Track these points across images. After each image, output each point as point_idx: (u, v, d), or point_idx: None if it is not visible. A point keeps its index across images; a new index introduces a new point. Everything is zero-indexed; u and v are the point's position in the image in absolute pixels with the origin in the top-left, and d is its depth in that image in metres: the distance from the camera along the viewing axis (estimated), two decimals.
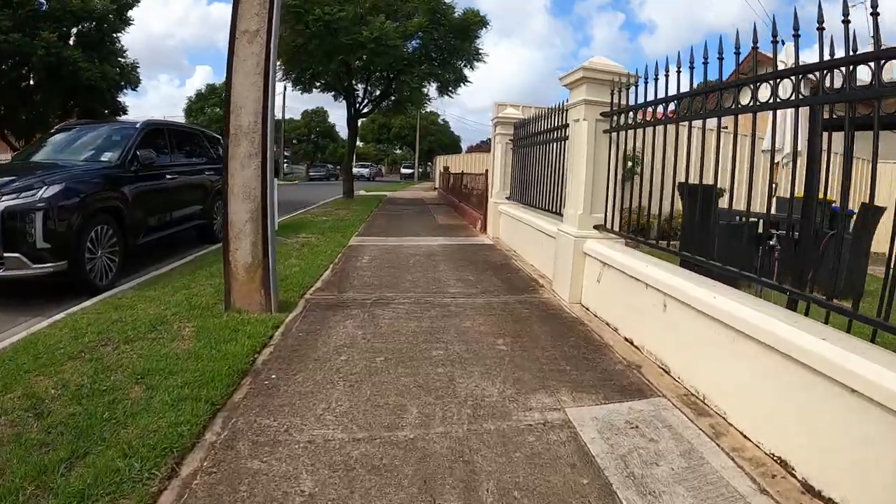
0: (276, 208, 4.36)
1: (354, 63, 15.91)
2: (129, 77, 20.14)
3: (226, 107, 4.14)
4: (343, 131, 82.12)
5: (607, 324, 4.30)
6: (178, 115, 36.66)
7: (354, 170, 41.73)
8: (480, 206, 11.34)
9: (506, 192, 9.27)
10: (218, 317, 4.23)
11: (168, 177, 7.50)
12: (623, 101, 4.48)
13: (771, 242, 4.85)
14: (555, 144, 6.14)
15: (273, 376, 3.17)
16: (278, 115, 42.79)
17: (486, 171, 10.28)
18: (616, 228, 4.70)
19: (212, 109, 35.29)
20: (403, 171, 60.55)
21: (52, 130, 8.27)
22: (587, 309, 4.72)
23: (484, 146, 67.52)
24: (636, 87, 4.14)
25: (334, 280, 5.71)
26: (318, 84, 18.53)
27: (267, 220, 4.28)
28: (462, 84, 17.02)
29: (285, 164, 53.28)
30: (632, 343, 3.87)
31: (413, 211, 14.96)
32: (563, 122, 5.65)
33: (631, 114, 4.38)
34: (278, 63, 16.55)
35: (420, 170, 56.36)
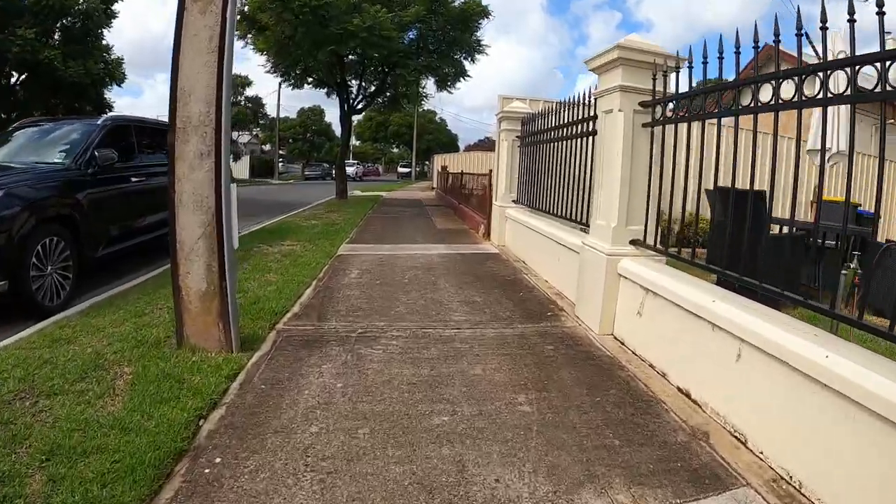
0: (236, 220, 3.50)
1: (347, 55, 15.02)
2: (115, 73, 19.23)
3: (171, 94, 3.29)
4: (339, 128, 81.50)
5: (652, 366, 3.45)
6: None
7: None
8: (483, 210, 10.50)
9: (512, 194, 8.42)
10: (166, 359, 3.37)
11: (134, 179, 6.67)
12: (661, 89, 3.64)
13: (852, 265, 3.99)
14: (575, 142, 5.29)
15: (217, 460, 2.32)
16: (272, 113, 41.93)
17: (490, 171, 9.44)
18: (658, 244, 3.85)
19: None
20: (401, 169, 59.65)
21: (11, 128, 7.45)
22: (622, 343, 3.88)
23: (482, 145, 66.30)
24: (690, 69, 3.29)
25: (315, 303, 4.85)
26: (309, 80, 17.65)
27: (223, 236, 3.43)
28: (462, 78, 16.11)
29: (281, 164, 52.30)
30: (689, 396, 3.03)
31: (410, 213, 14.10)
32: (588, 115, 4.80)
33: (669, 104, 3.55)
34: (265, 56, 15.73)
35: (417, 169, 55.45)
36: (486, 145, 63.05)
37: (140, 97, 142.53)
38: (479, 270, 6.50)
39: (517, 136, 8.30)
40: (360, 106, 17.47)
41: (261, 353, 3.56)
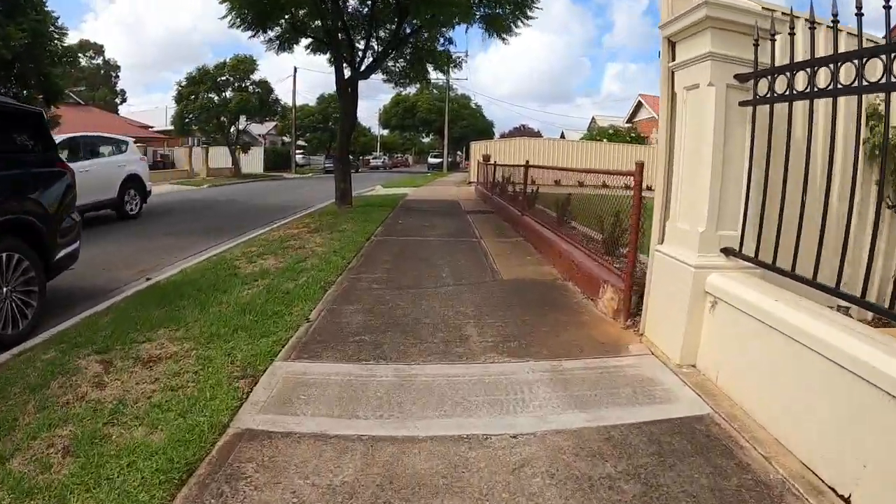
0: None
1: None
2: (47, 44, 14.36)
3: None
4: (366, 119, 75.09)
5: None
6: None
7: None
8: (590, 246, 5.31)
9: (727, 232, 3.16)
10: None
11: None
12: None
13: None
14: None
15: None
16: (285, 98, 37.03)
17: (638, 165, 4.07)
18: None
19: (205, 95, 29.52)
20: (431, 160, 53.94)
21: None
22: None
23: (519, 132, 60.13)
24: None
25: None
26: (306, 41, 12.62)
27: None
28: (522, 20, 10.67)
29: (301, 156, 47.46)
30: None
31: (444, 233, 8.78)
32: None
33: None
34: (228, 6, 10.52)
35: (449, 159, 49.74)
36: (521, 133, 57.28)
37: (168, 93, 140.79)
38: None
39: (741, 76, 3.03)
40: (368, 67, 12.07)
41: None
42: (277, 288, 4.87)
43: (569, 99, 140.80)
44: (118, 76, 60.98)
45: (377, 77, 12.92)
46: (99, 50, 59.46)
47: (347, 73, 11.56)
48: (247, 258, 6.33)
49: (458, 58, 13.39)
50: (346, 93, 11.48)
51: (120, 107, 57.08)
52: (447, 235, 8.33)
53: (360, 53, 11.98)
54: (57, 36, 15.41)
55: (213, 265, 6.10)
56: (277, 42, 12.00)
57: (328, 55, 12.98)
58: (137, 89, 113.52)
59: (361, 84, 12.42)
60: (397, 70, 13.70)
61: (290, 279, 5.23)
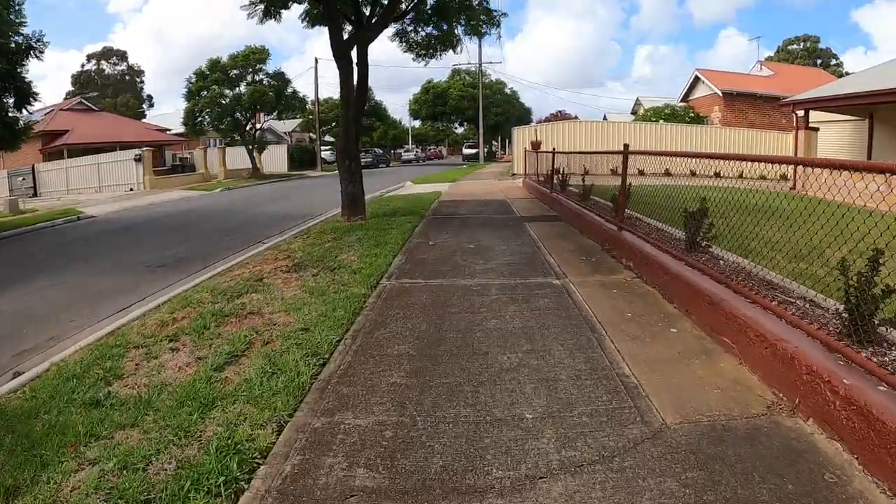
0: None
1: None
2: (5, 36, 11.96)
3: None
4: (395, 111, 71.15)
5: None
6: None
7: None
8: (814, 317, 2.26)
9: None
10: None
11: None
12: None
13: None
14: None
15: None
16: (304, 91, 34.42)
17: None
18: None
19: (216, 89, 27.00)
20: (466, 150, 50.52)
21: None
22: None
23: (553, 119, 56.17)
24: None
25: None
26: (299, 9, 9.78)
27: None
28: None
29: (329, 152, 44.90)
30: None
31: (500, 265, 5.63)
32: None
33: None
34: None
35: (485, 149, 46.14)
36: (563, 118, 53.49)
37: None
38: None
39: None
40: (378, 19, 8.91)
41: None
42: (129, 488, 1.98)
43: (600, 83, 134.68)
44: (143, 81, 59.80)
45: (402, 67, 9.99)
46: (122, 56, 58.35)
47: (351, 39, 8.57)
48: (150, 346, 3.48)
49: (497, 15, 10.19)
50: (348, 59, 8.36)
51: (147, 112, 55.81)
52: (508, 273, 5.21)
53: (367, 7, 8.95)
54: (18, 23, 13.08)
55: (93, 360, 3.30)
56: (261, 6, 9.13)
57: (327, 24, 10.05)
58: (169, 95, 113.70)
59: (384, 74, 9.60)
60: (419, 40, 10.61)
61: (179, 437, 2.31)
